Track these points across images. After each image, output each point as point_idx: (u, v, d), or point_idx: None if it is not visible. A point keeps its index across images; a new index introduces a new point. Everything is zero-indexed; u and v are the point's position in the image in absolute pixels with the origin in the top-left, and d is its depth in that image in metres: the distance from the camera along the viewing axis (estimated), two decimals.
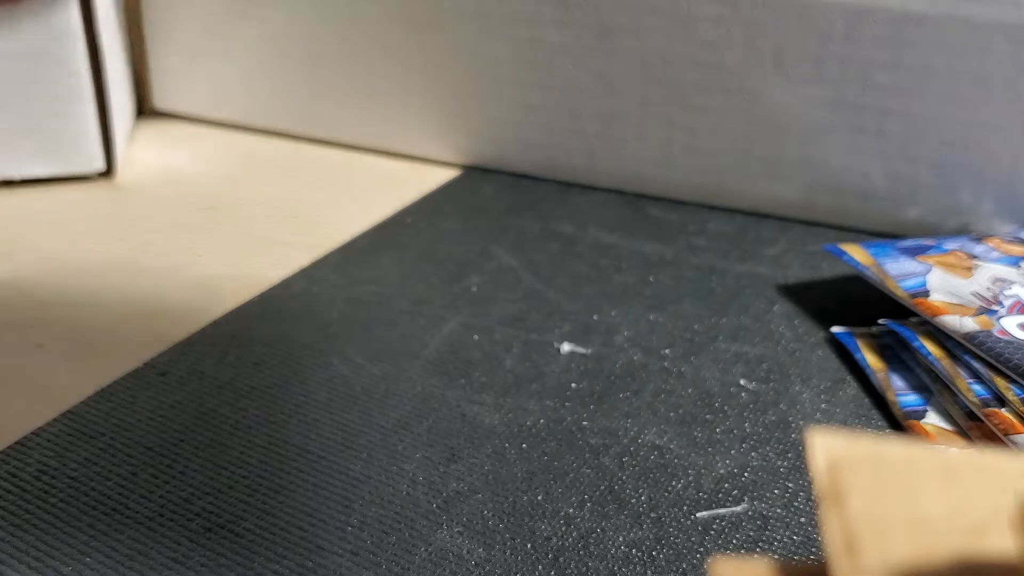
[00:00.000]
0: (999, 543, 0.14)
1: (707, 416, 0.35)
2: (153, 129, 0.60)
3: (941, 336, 0.35)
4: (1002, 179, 0.44)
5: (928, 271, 0.38)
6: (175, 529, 0.29)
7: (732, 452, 0.33)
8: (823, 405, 0.35)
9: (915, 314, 0.37)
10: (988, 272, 0.38)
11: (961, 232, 0.46)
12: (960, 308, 0.36)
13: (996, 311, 0.36)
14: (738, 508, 0.30)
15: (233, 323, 0.40)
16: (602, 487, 0.31)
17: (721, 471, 0.32)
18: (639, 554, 0.29)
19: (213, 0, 0.57)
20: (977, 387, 0.33)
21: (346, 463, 0.32)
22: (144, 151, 0.57)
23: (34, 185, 0.52)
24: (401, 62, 0.54)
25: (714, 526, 0.30)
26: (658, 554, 0.29)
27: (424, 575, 0.28)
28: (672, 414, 0.35)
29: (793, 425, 0.34)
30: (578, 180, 0.53)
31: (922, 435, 0.33)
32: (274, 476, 0.31)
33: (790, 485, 0.31)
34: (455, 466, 0.32)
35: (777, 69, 0.46)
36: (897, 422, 0.34)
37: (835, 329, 0.39)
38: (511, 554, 0.29)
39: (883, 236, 0.48)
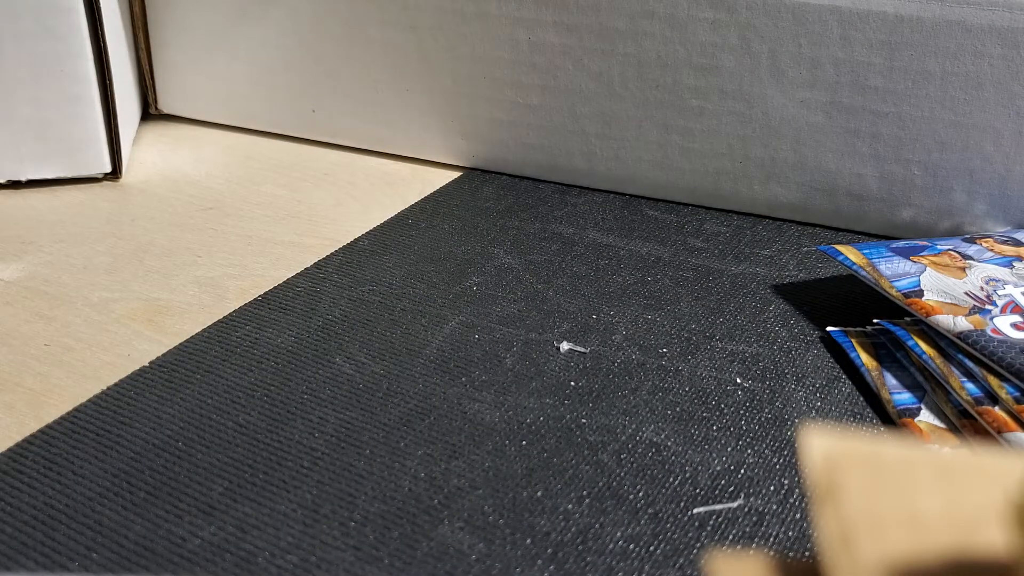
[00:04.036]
0: (991, 539, 0.14)
1: (703, 414, 0.35)
2: (158, 131, 0.60)
3: (934, 335, 0.36)
4: (995, 180, 0.45)
5: (922, 271, 0.39)
6: (181, 526, 0.30)
7: (728, 449, 0.33)
8: (818, 403, 0.36)
9: (909, 314, 0.38)
10: (981, 272, 0.39)
11: (954, 233, 0.46)
12: (953, 308, 0.36)
13: (989, 311, 0.36)
14: (734, 504, 0.31)
15: (237, 322, 0.40)
16: (600, 483, 0.32)
17: (717, 468, 0.32)
18: (637, 549, 0.29)
19: (216, 6, 0.57)
20: (970, 385, 0.34)
21: (349, 460, 0.32)
22: (149, 153, 0.58)
23: (41, 186, 0.52)
24: (402, 65, 0.54)
25: (710, 522, 0.30)
26: (655, 549, 0.29)
27: (426, 569, 0.28)
28: (669, 412, 0.35)
29: (788, 423, 0.35)
30: (577, 182, 0.53)
31: (916, 433, 0.34)
32: (278, 473, 0.32)
33: (785, 481, 0.32)
34: (456, 463, 0.32)
35: (772, 72, 0.47)
36: (891, 420, 0.35)
37: (830, 328, 0.39)
38: (511, 549, 0.29)
39: (877, 237, 0.48)
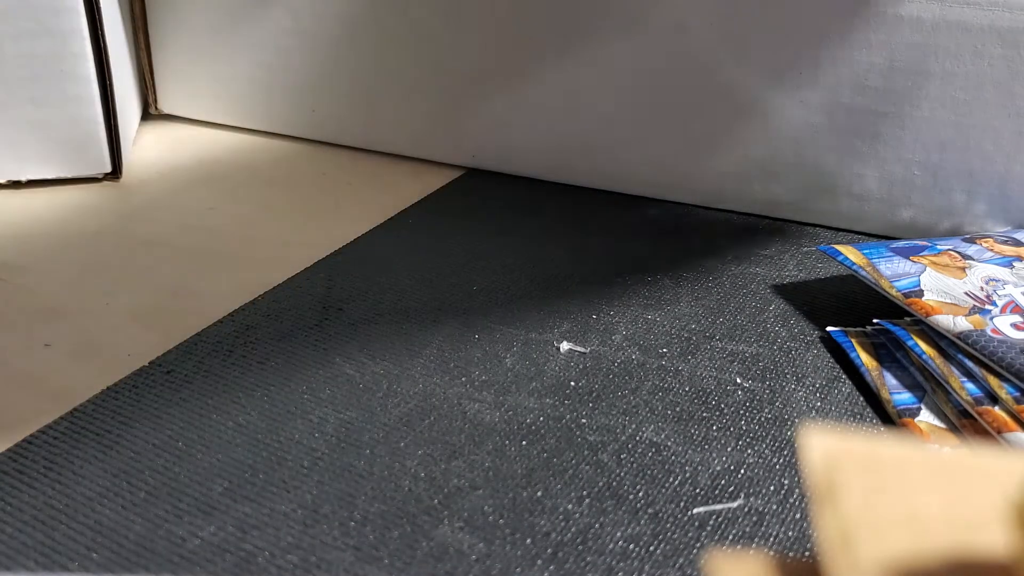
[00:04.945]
0: (991, 540, 0.14)
1: (703, 414, 0.35)
2: (158, 131, 0.60)
3: (934, 335, 0.36)
4: (995, 180, 0.45)
5: (922, 271, 0.39)
6: (181, 526, 0.30)
7: (728, 449, 0.33)
8: (818, 403, 0.36)
9: (909, 314, 0.38)
10: (981, 272, 0.39)
11: (954, 233, 0.46)
12: (953, 308, 0.36)
13: (989, 311, 0.36)
14: (734, 504, 0.31)
15: (237, 322, 0.40)
16: (600, 483, 0.32)
17: (717, 468, 0.32)
18: (637, 549, 0.29)
19: (216, 5, 0.57)
20: (970, 385, 0.34)
21: (349, 460, 0.32)
22: (149, 153, 0.58)
23: (41, 186, 0.52)
24: (402, 65, 0.54)
25: (710, 522, 0.30)
26: (655, 549, 0.29)
27: (426, 570, 0.28)
28: (669, 412, 0.35)
29: (788, 423, 0.35)
30: (577, 182, 0.53)
31: (916, 433, 0.34)
32: (278, 473, 0.32)
33: (785, 481, 0.32)
34: (456, 463, 0.32)
35: (772, 72, 0.47)
36: (891, 420, 0.35)
37: (830, 328, 0.39)
38: (511, 549, 0.29)
39: (877, 237, 0.48)
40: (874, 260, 0.40)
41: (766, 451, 0.33)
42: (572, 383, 0.37)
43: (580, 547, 0.29)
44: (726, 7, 0.47)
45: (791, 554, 0.29)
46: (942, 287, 0.38)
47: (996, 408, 0.33)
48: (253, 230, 0.49)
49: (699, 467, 0.32)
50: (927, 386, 0.35)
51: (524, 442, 0.33)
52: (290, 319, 0.41)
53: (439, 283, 0.43)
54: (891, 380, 0.36)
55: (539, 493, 0.31)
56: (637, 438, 0.34)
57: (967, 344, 0.34)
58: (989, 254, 0.40)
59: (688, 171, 0.51)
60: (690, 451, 0.33)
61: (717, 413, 0.35)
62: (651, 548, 0.29)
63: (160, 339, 0.39)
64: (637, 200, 0.52)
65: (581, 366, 0.38)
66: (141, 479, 0.31)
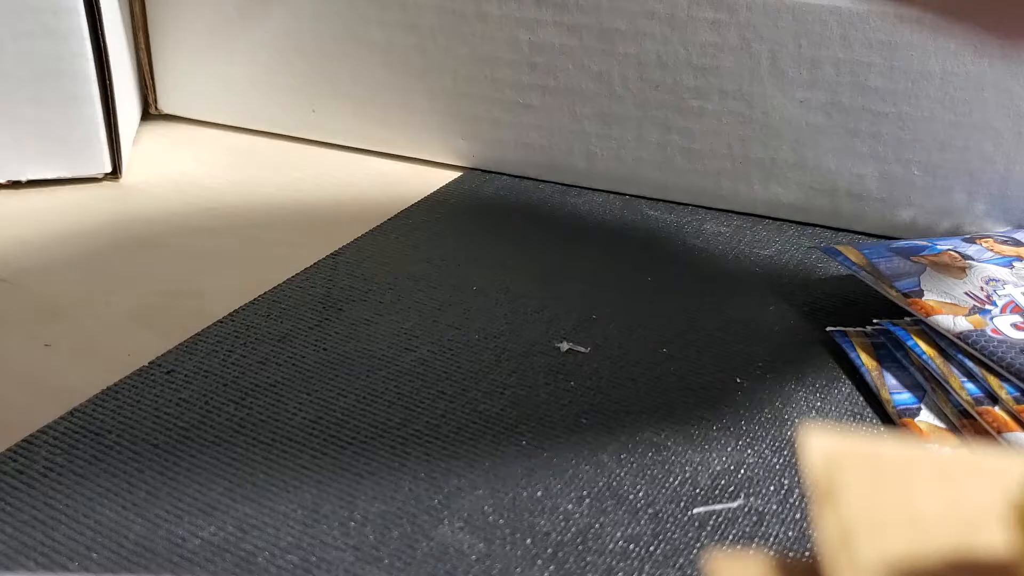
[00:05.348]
0: (991, 540, 0.14)
1: (704, 414, 0.35)
2: (158, 131, 0.60)
3: (934, 335, 0.36)
4: (995, 180, 0.45)
5: (922, 271, 0.39)
6: (181, 526, 0.30)
7: (728, 449, 0.33)
8: (817, 403, 0.36)
9: (909, 314, 0.38)
10: (981, 272, 0.39)
11: (954, 233, 0.46)
12: (953, 308, 0.36)
13: (989, 311, 0.36)
14: (734, 504, 0.31)
15: (238, 322, 0.40)
16: (600, 483, 0.32)
17: (717, 467, 0.32)
18: (637, 549, 0.29)
19: (216, 5, 0.57)
20: (970, 385, 0.34)
21: (349, 460, 0.32)
22: (149, 153, 0.58)
23: (41, 186, 0.52)
24: (402, 65, 0.55)
25: (710, 522, 0.30)
26: (655, 549, 0.29)
27: (425, 569, 0.28)
28: (669, 412, 0.35)
29: (788, 423, 0.35)
30: (577, 182, 0.53)
31: (916, 433, 0.34)
32: (277, 472, 0.32)
33: (785, 481, 0.32)
34: (456, 462, 0.32)
35: (772, 72, 0.47)
36: (891, 420, 0.35)
37: (830, 328, 0.39)
38: (511, 549, 0.29)
39: (877, 237, 0.48)
40: (874, 260, 0.40)
41: (766, 451, 0.33)
42: (572, 383, 0.37)
43: (580, 547, 0.29)
44: None
45: (791, 554, 0.29)
46: (942, 287, 0.38)
47: (996, 408, 0.33)
48: (253, 230, 0.49)
49: (699, 467, 0.32)
50: (927, 386, 0.35)
51: (524, 442, 0.33)
52: (290, 319, 0.41)
53: (439, 283, 0.43)
54: (891, 380, 0.36)
55: (539, 493, 0.31)
56: (637, 438, 0.34)
57: (967, 344, 0.35)
58: (989, 254, 0.40)
59: (689, 171, 0.51)
60: (690, 451, 0.33)
61: (717, 413, 0.35)
62: (651, 548, 0.29)
63: (160, 339, 0.39)
64: (637, 200, 0.52)
65: (581, 366, 0.38)
66: (141, 479, 0.31)
